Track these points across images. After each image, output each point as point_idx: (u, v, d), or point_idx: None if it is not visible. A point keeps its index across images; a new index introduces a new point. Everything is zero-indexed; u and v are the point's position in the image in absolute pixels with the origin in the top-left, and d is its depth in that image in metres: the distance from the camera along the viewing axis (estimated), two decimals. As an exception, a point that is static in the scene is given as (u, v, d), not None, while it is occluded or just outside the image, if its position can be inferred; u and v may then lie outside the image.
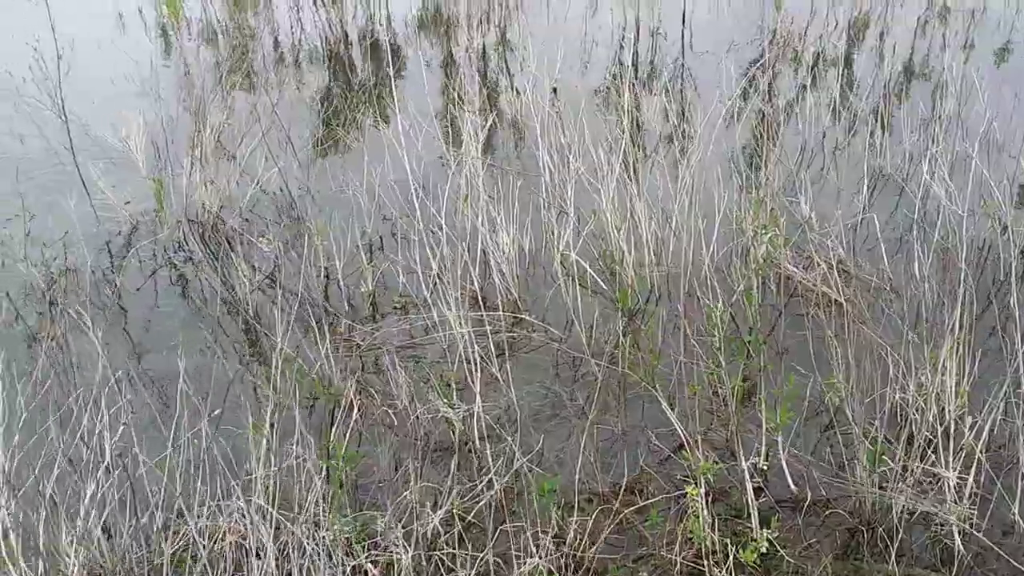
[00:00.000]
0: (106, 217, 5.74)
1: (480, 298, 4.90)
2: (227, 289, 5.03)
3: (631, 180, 5.29)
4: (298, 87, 8.10)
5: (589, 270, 5.01)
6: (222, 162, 6.04)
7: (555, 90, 7.75)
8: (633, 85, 7.47)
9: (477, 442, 3.88)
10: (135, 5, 10.00)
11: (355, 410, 3.98)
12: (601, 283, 5.05)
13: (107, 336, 4.75)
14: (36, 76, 5.72)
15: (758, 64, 8.44)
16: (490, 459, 3.58)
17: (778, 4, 9.01)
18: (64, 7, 9.88)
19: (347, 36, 9.18)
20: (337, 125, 7.06)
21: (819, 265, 5.06)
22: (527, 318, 4.82)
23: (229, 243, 5.50)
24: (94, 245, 5.47)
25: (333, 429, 3.88)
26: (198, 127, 5.90)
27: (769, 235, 4.86)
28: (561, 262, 5.08)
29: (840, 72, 7.51)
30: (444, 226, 5.11)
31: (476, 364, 4.03)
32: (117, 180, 5.88)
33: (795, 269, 5.10)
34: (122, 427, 3.37)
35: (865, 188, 5.77)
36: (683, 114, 7.32)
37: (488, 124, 6.23)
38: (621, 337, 4.49)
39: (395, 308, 4.95)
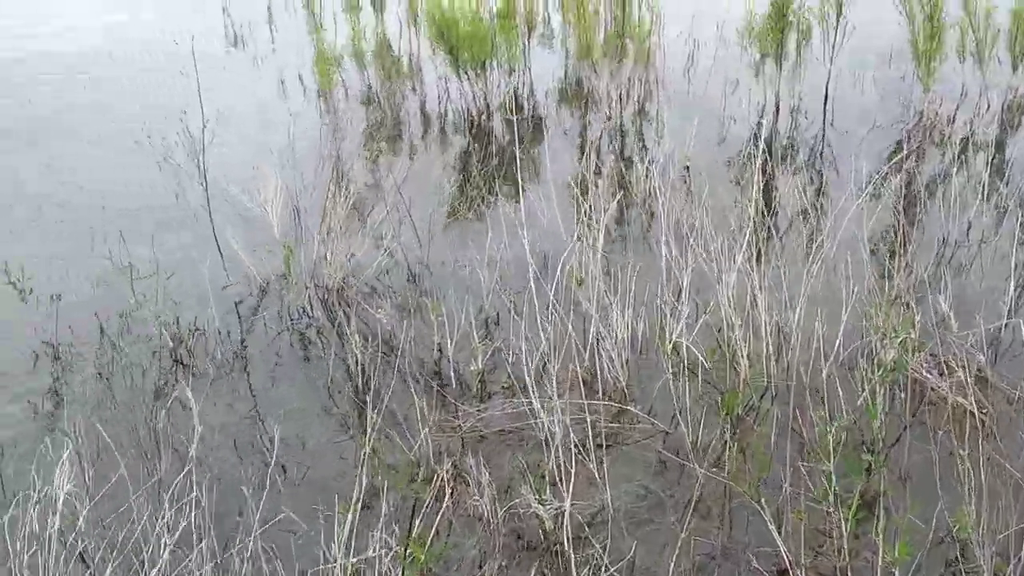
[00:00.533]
0: (237, 279, 5.84)
1: (585, 384, 4.69)
2: (339, 360, 4.98)
3: (754, 267, 4.97)
4: (436, 158, 8.15)
5: (702, 359, 4.70)
6: (352, 230, 6.07)
7: (687, 167, 7.52)
8: (765, 166, 7.14)
9: (566, 545, 3.63)
10: (296, 72, 10.39)
11: (447, 496, 3.82)
12: (713, 376, 4.74)
13: (227, 396, 4.82)
14: (183, 142, 5.91)
15: (901, 147, 7.96)
16: (574, 569, 3.34)
17: (926, 85, 8.48)
18: (229, 75, 10.48)
19: (488, 108, 9.21)
20: (468, 198, 7.02)
21: (955, 372, 4.60)
22: (632, 409, 4.56)
23: (349, 312, 5.49)
24: (224, 306, 5.55)
25: (421, 513, 3.72)
26: (331, 195, 5.94)
27: (901, 338, 4.44)
28: (673, 351, 4.80)
29: (990, 159, 6.95)
30: (554, 306, 4.94)
31: (571, 457, 3.81)
32: (251, 243, 5.98)
33: (928, 375, 4.65)
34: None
35: (1012, 288, 5.25)
36: (818, 196, 6.93)
37: (613, 203, 6.03)
38: (728, 440, 4.16)
39: (504, 389, 4.79)
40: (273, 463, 4.14)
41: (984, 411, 4.43)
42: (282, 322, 5.48)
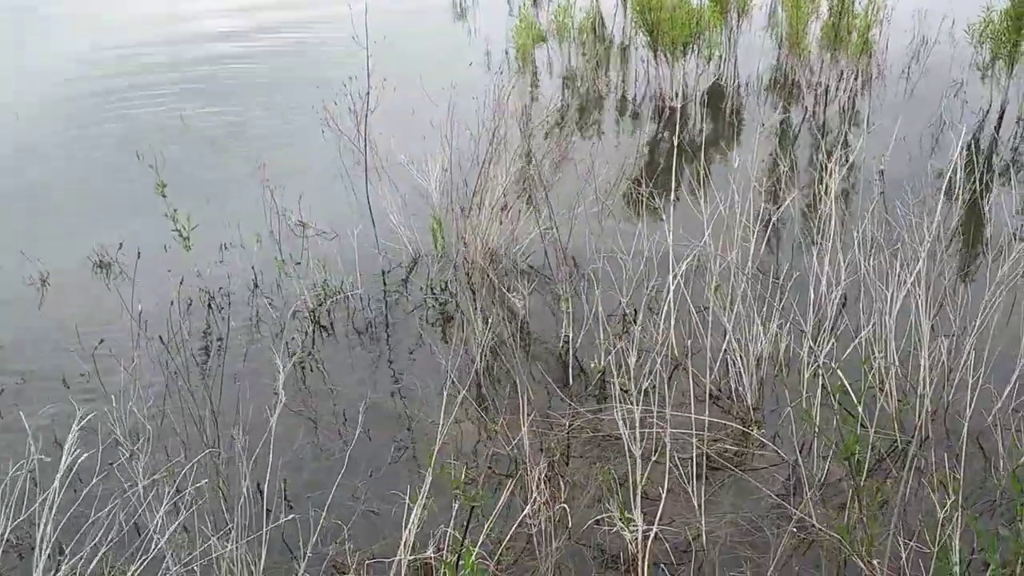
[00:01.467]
0: (388, 248, 5.77)
1: (711, 399, 4.23)
2: (468, 342, 4.77)
3: (919, 290, 4.25)
4: (615, 142, 7.76)
5: (847, 386, 4.08)
6: (507, 210, 5.83)
7: (882, 172, 6.71)
8: (973, 180, 6.23)
9: (641, 570, 3.25)
10: (503, 48, 10.26)
11: (534, 498, 3.53)
12: (857, 408, 4.11)
13: (357, 366, 4.76)
14: (351, 109, 5.86)
15: None
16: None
17: None
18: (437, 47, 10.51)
19: (684, 94, 8.67)
20: (632, 187, 6.59)
21: None
22: (755, 433, 4.06)
23: (488, 293, 5.28)
24: (371, 273, 5.50)
25: (494, 514, 3.44)
26: (489, 173, 5.73)
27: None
28: (814, 375, 4.21)
29: None
30: (691, 311, 4.50)
31: (666, 477, 3.41)
32: (410, 214, 5.88)
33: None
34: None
35: None
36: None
37: (779, 210, 5.43)
38: (855, 489, 3.58)
39: (623, 391, 4.41)
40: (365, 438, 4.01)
41: None
42: (424, 295, 5.36)
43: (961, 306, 4.35)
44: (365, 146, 5.76)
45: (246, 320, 5.17)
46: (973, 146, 7.37)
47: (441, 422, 3.30)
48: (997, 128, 7.79)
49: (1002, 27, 7.94)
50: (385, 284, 5.48)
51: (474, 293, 5.32)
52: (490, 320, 4.65)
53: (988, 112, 8.05)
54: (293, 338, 4.96)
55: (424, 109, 6.74)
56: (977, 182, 6.24)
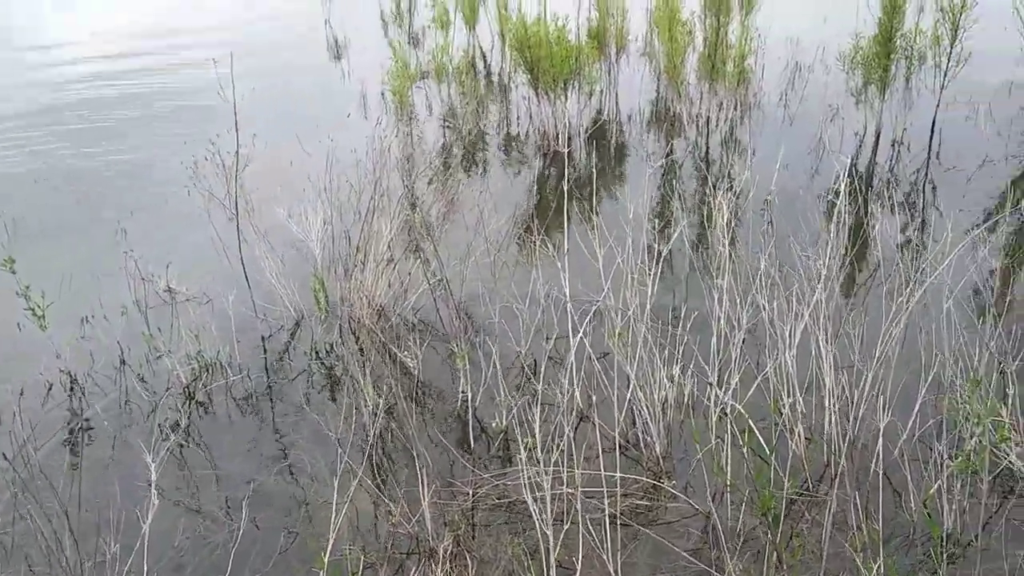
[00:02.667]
0: (267, 311, 5.53)
1: (619, 450, 4.16)
2: (358, 408, 4.58)
3: (821, 325, 4.31)
4: (499, 184, 7.71)
5: (754, 428, 4.08)
6: (392, 263, 5.69)
7: (767, 201, 6.87)
8: (856, 204, 6.44)
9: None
10: (378, 90, 10.14)
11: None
12: (765, 449, 4.12)
13: (242, 438, 4.50)
14: (217, 170, 5.63)
15: (1015, 187, 7.10)
16: None
17: (1048, 117, 7.60)
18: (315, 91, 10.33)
19: (567, 131, 8.73)
20: (521, 233, 6.56)
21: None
22: (666, 485, 4.00)
23: (377, 353, 5.10)
24: (250, 340, 5.25)
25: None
26: (373, 226, 5.58)
27: (983, 423, 3.73)
28: (720, 419, 4.20)
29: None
30: (591, 361, 4.43)
31: (580, 543, 3.30)
32: (290, 274, 5.66)
33: (1019, 462, 3.93)
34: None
35: None
36: (911, 242, 6.19)
37: (668, 245, 5.47)
38: (769, 535, 3.55)
39: (529, 451, 4.29)
40: (243, 527, 3.77)
41: (1088, 514, 3.71)
42: (308, 360, 5.14)
43: (859, 338, 4.42)
44: (236, 205, 5.52)
45: (114, 402, 4.83)
46: (853, 171, 7.63)
47: (335, 501, 3.10)
48: (874, 152, 8.12)
49: (871, 53, 8.32)
50: (266, 351, 5.23)
51: (363, 354, 5.13)
52: (382, 383, 4.47)
53: (864, 136, 8.39)
54: (167, 419, 4.66)
55: (301, 162, 6.57)
56: (861, 207, 6.45)
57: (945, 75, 8.21)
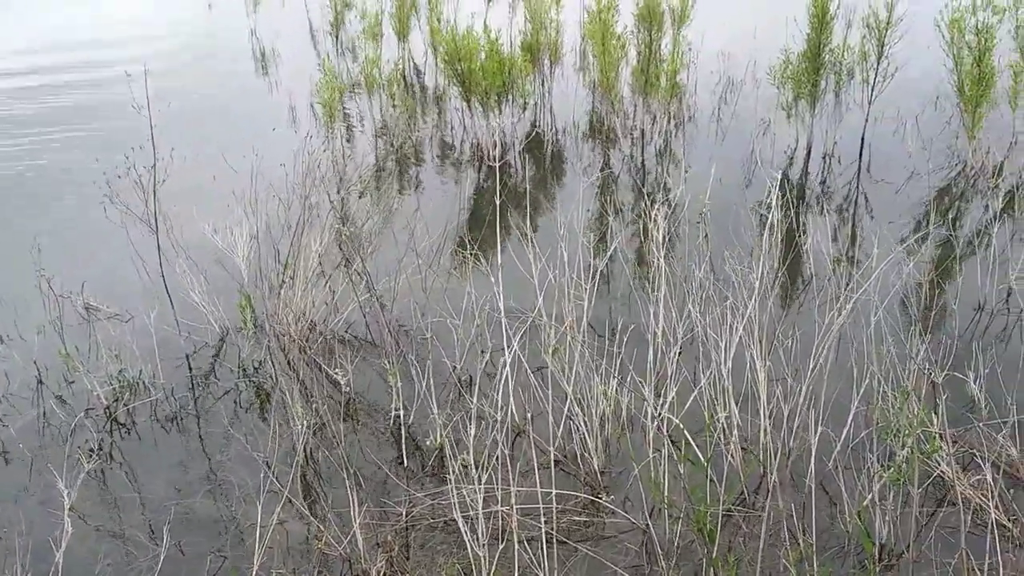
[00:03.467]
0: (191, 329, 5.41)
1: (557, 465, 4.16)
2: (287, 428, 4.49)
3: (756, 337, 4.38)
4: (432, 199, 7.67)
5: (691, 441, 4.11)
6: (323, 278, 5.63)
7: (702, 214, 6.98)
8: (788, 217, 6.58)
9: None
10: (307, 102, 10.03)
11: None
12: (702, 461, 4.15)
13: (167, 459, 4.38)
14: (136, 182, 5.50)
15: (941, 198, 7.33)
16: None
17: (971, 132, 7.84)
18: (240, 105, 10.18)
19: (501, 144, 8.76)
20: (455, 247, 6.56)
21: (982, 467, 3.99)
22: (603, 500, 4.01)
23: (307, 370, 5.03)
24: (173, 359, 5.13)
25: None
26: (301, 240, 5.51)
27: (912, 433, 3.81)
28: (657, 431, 4.24)
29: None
30: (528, 376, 4.43)
31: (515, 563, 3.28)
32: (216, 291, 5.55)
33: (949, 471, 4.03)
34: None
35: (1052, 369, 4.62)
36: (843, 255, 6.34)
37: (605, 258, 5.51)
38: (707, 550, 3.58)
39: (464, 467, 4.26)
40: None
41: (1013, 517, 3.82)
42: (236, 378, 5.04)
43: (792, 351, 4.51)
44: (156, 221, 5.40)
45: (31, 424, 4.67)
46: (785, 184, 7.80)
47: (259, 523, 3.04)
48: (805, 165, 8.31)
49: (800, 68, 8.52)
50: (191, 369, 5.12)
51: (293, 371, 5.05)
52: (312, 401, 4.41)
53: (796, 150, 8.59)
54: (87, 441, 4.52)
55: (226, 176, 6.46)
56: (794, 220, 6.59)
57: (873, 90, 8.45)
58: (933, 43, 7.89)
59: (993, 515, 3.59)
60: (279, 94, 10.81)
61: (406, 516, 3.91)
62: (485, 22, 10.80)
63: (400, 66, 11.57)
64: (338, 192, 7.33)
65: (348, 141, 9.03)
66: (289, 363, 5.12)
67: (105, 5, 17.60)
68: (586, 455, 4.22)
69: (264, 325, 5.41)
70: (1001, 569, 3.29)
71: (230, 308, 5.48)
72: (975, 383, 4.51)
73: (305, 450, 4.31)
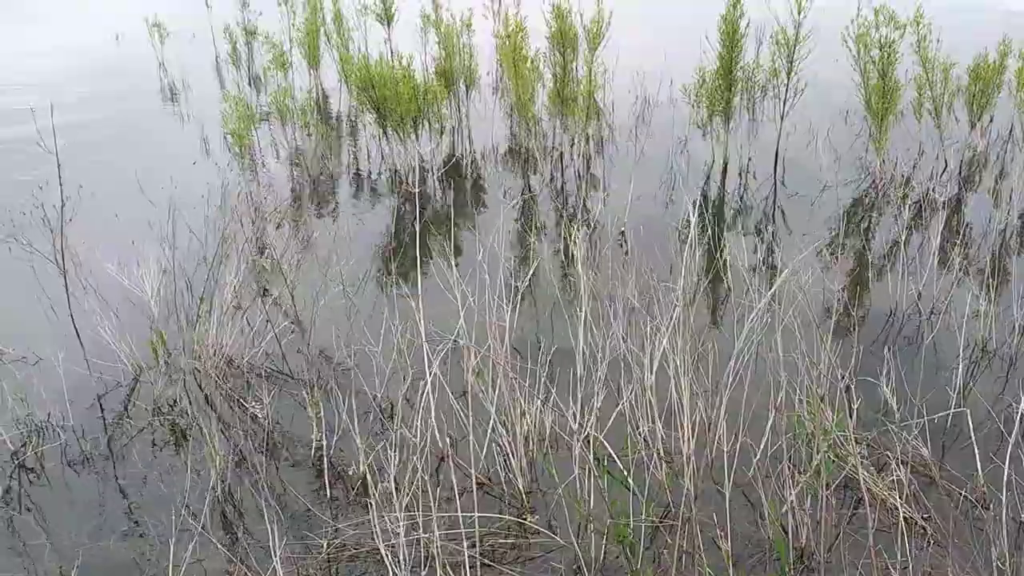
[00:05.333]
0: (103, 368, 5.34)
1: (481, 488, 4.23)
2: (206, 466, 4.47)
3: (678, 351, 4.53)
4: (349, 227, 7.70)
5: (614, 456, 4.23)
6: (240, 310, 5.63)
7: (623, 233, 7.16)
8: (706, 233, 6.80)
9: None
10: (219, 133, 9.99)
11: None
12: (625, 475, 4.27)
13: (80, 504, 4.32)
14: (40, 221, 5.44)
15: (853, 210, 7.65)
16: None
17: (879, 144, 8.21)
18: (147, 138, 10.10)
19: (419, 170, 8.84)
20: (374, 274, 6.62)
21: (896, 469, 4.19)
22: (529, 520, 4.09)
23: (224, 405, 5.02)
24: (84, 400, 5.07)
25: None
26: (216, 276, 5.52)
27: (827, 445, 3.98)
28: (582, 450, 4.34)
29: (944, 222, 6.61)
30: (453, 399, 4.51)
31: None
32: (127, 328, 5.50)
33: (864, 474, 4.22)
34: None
35: (960, 371, 4.87)
36: (760, 267, 6.58)
37: (526, 279, 5.63)
38: (630, 563, 3.69)
39: (382, 496, 4.29)
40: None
41: (926, 516, 4.02)
42: (150, 417, 5.00)
43: (713, 363, 4.67)
44: (63, 259, 5.35)
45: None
46: (704, 201, 8.04)
47: (170, 564, 3.04)
48: (723, 181, 8.58)
49: (714, 86, 8.82)
50: (103, 410, 5.06)
51: (209, 407, 5.03)
52: (231, 436, 4.41)
53: (713, 167, 8.86)
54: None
55: (137, 211, 6.42)
56: (712, 235, 6.80)
57: (784, 105, 8.78)
58: (843, 57, 8.25)
59: (902, 513, 3.78)
60: (191, 126, 10.75)
61: (328, 547, 3.94)
62: (391, 49, 10.99)
63: (313, 94, 11.61)
64: (254, 223, 7.32)
65: (263, 172, 9.01)
66: (205, 398, 5.10)
67: (5, 37, 17.26)
68: (511, 477, 4.31)
69: (180, 361, 5.38)
70: (911, 565, 3.45)
71: (143, 346, 5.44)
72: (887, 387, 4.73)
73: (223, 486, 4.31)
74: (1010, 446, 3.97)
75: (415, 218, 7.76)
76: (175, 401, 5.09)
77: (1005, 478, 3.72)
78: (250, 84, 12.42)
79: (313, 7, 12.19)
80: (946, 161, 8.52)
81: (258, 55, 13.21)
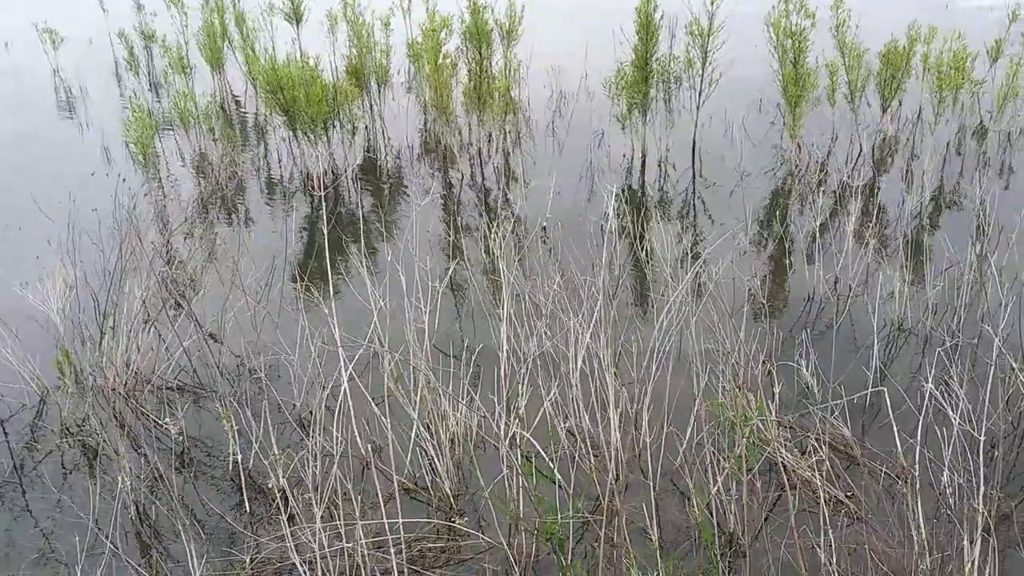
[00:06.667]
0: (5, 391, 5.21)
1: (408, 493, 4.25)
2: (116, 485, 4.40)
3: (602, 344, 4.61)
4: (261, 233, 7.63)
5: (541, 451, 4.29)
6: (149, 324, 5.55)
7: (545, 228, 7.24)
8: (626, 223, 6.93)
9: None
10: (122, 141, 9.79)
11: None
12: (553, 471, 4.33)
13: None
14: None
15: (771, 197, 7.87)
16: None
17: (793, 131, 8.46)
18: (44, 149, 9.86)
19: (333, 172, 8.80)
20: (288, 280, 6.58)
21: (817, 450, 4.34)
22: (458, 523, 4.13)
23: (136, 421, 4.95)
24: (-14, 424, 4.95)
25: None
26: (119, 291, 5.42)
27: (749, 430, 4.10)
28: (509, 449, 4.38)
29: (859, 206, 6.83)
30: (376, 404, 4.52)
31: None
32: (30, 348, 5.37)
33: (788, 455, 4.36)
34: None
35: (876, 349, 5.05)
36: (681, 256, 6.72)
37: (447, 278, 5.66)
38: (561, 558, 3.76)
39: (300, 507, 4.27)
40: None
41: (849, 494, 4.17)
42: (58, 438, 4.89)
43: (638, 354, 4.77)
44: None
45: None
46: (624, 193, 8.17)
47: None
48: (642, 173, 8.73)
49: (633, 79, 8.96)
50: (7, 434, 4.93)
51: (120, 425, 4.95)
52: (144, 453, 4.35)
53: (632, 159, 9.01)
54: None
55: (41, 227, 6.26)
56: (632, 227, 6.93)
57: (700, 96, 8.98)
58: (761, 45, 8.47)
59: (824, 493, 3.93)
60: (91, 135, 10.50)
61: (251, 563, 3.92)
62: (301, 48, 10.92)
63: (218, 98, 11.45)
64: (161, 234, 7.21)
65: (169, 180, 8.86)
66: (115, 416, 5.01)
67: None
68: (438, 480, 4.34)
69: (86, 379, 5.28)
70: (833, 543, 3.59)
71: (47, 365, 5.32)
72: (807, 370, 4.90)
73: (137, 507, 4.25)
74: (920, 421, 4.13)
75: (327, 221, 7.72)
76: (84, 421, 5.00)
77: (918, 454, 3.88)
78: (151, 90, 12.18)
79: (213, 8, 12.01)
80: (860, 146, 8.82)
81: (158, 59, 12.95)
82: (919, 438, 4.07)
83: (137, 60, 12.47)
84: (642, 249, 6.63)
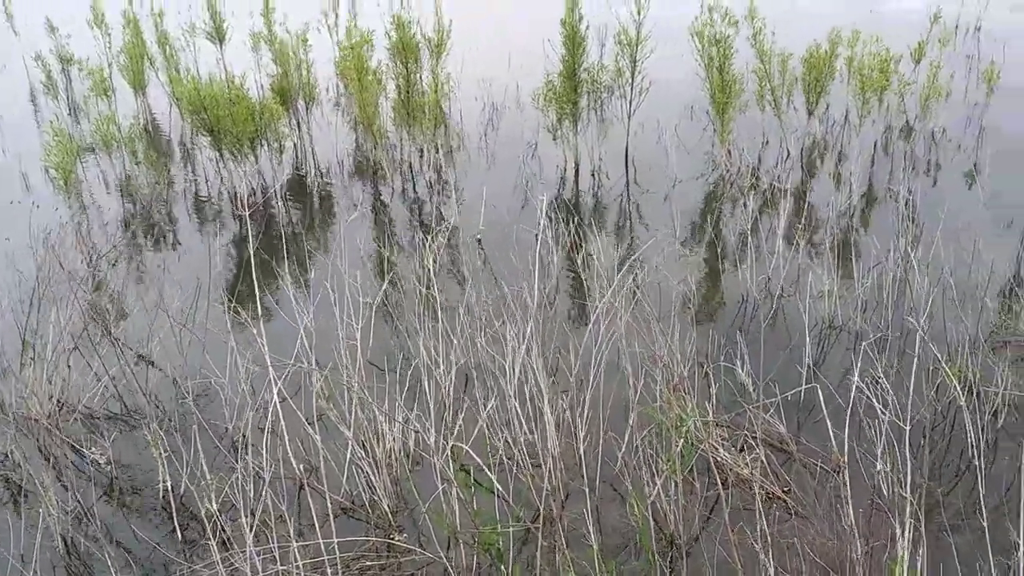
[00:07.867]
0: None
1: (346, 512, 4.26)
2: (43, 518, 4.33)
3: (540, 352, 4.67)
4: (188, 256, 7.56)
5: (480, 462, 4.32)
6: (73, 351, 5.48)
7: (479, 240, 7.30)
8: (559, 233, 7.02)
9: None
10: (42, 166, 9.65)
11: None
12: (496, 486, 4.37)
13: None
14: None
15: (704, 202, 8.03)
16: None
17: (722, 137, 8.65)
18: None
19: (261, 191, 8.77)
20: (216, 302, 6.53)
21: (753, 448, 4.44)
22: (397, 539, 4.14)
23: (59, 454, 4.87)
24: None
25: None
26: (37, 319, 5.35)
27: (686, 427, 4.19)
28: (444, 464, 4.41)
29: (789, 208, 7.02)
30: (308, 425, 4.52)
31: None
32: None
33: (726, 454, 4.46)
34: None
35: (808, 347, 5.19)
36: (614, 263, 6.82)
37: (380, 293, 5.68)
38: (500, 567, 3.80)
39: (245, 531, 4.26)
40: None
41: (786, 489, 4.28)
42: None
43: (576, 362, 4.84)
44: None
45: None
46: (558, 203, 8.26)
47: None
48: (576, 183, 8.84)
49: (562, 90, 9.08)
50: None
51: (44, 458, 4.87)
52: (71, 486, 4.29)
53: (565, 169, 9.12)
54: None
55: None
56: (569, 237, 7.02)
57: (631, 104, 9.14)
58: (688, 54, 8.66)
59: (761, 489, 4.03)
60: (8, 160, 10.32)
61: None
62: (225, 68, 10.88)
63: (141, 120, 11.34)
64: (86, 260, 7.12)
65: (92, 205, 8.74)
66: (39, 449, 4.93)
67: None
68: (375, 498, 4.35)
69: (7, 410, 5.19)
70: (770, 538, 3.68)
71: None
72: (742, 370, 5.02)
73: (64, 539, 4.19)
74: (848, 414, 4.23)
75: (255, 239, 7.69)
76: (7, 454, 4.91)
77: (847, 448, 3.98)
78: (71, 114, 12.01)
79: (133, 29, 11.89)
80: (788, 149, 9.04)
81: (77, 83, 12.78)
82: (848, 432, 4.19)
83: (55, 84, 12.30)
84: (577, 257, 6.72)
